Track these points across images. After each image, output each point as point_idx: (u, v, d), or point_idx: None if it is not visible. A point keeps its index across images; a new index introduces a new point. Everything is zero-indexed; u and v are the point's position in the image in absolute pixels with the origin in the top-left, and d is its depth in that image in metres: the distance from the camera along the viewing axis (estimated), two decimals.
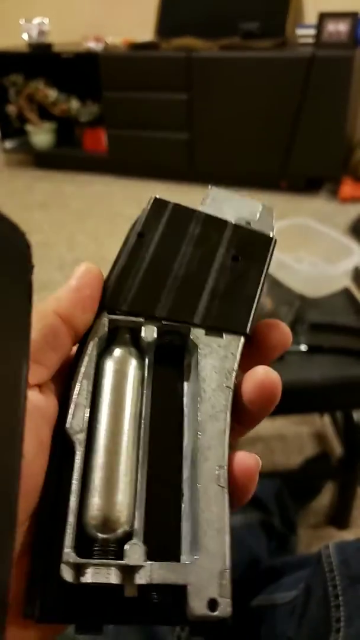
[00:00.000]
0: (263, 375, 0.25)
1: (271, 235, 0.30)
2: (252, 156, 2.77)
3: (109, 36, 3.05)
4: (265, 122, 2.67)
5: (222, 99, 2.69)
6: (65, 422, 0.23)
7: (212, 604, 0.20)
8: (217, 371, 0.26)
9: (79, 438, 0.23)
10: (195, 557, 0.21)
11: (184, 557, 0.22)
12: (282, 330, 0.28)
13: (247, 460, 0.24)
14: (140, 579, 0.20)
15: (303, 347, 0.91)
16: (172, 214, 0.29)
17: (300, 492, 1.12)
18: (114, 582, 0.20)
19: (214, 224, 0.29)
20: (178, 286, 0.27)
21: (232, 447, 0.25)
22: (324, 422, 1.38)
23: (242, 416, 0.26)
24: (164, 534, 0.23)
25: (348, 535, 1.13)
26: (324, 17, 2.45)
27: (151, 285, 0.27)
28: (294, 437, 1.34)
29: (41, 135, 3.32)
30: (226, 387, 0.25)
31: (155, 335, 0.26)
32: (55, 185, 3.10)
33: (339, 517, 1.15)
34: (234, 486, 0.24)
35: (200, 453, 0.23)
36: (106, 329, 0.26)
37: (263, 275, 0.29)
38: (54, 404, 0.24)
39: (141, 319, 0.26)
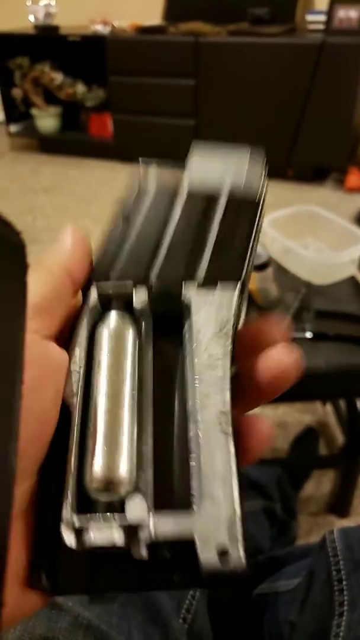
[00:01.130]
0: (277, 360, 0.24)
1: (257, 200, 0.29)
2: (258, 144, 2.71)
3: (117, 20, 3.02)
4: (273, 109, 2.64)
5: (229, 86, 2.67)
6: None
7: (223, 554, 0.19)
8: (213, 321, 0.25)
9: (73, 402, 0.23)
10: (200, 507, 0.20)
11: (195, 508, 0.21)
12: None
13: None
14: (144, 534, 0.20)
15: (308, 334, 0.91)
16: (156, 193, 0.29)
17: (294, 475, 1.12)
18: (118, 542, 0.19)
19: (198, 199, 0.29)
20: (166, 253, 0.27)
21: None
22: (326, 411, 1.38)
23: (250, 394, 0.25)
24: (172, 492, 0.21)
25: (348, 523, 1.14)
26: (334, 3, 2.41)
27: (139, 255, 0.27)
28: (296, 424, 1.34)
29: (46, 120, 3.30)
30: (224, 334, 0.24)
31: (146, 297, 0.26)
32: (60, 170, 3.08)
33: (339, 505, 1.15)
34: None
35: (200, 402, 0.22)
36: (96, 296, 0.26)
37: (256, 222, 0.28)
38: (66, 356, 0.24)
39: (129, 282, 0.26)
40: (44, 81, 3.20)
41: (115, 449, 0.21)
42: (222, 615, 0.58)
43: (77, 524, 0.20)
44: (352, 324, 0.94)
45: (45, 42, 3.19)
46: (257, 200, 0.29)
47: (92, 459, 0.21)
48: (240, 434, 0.23)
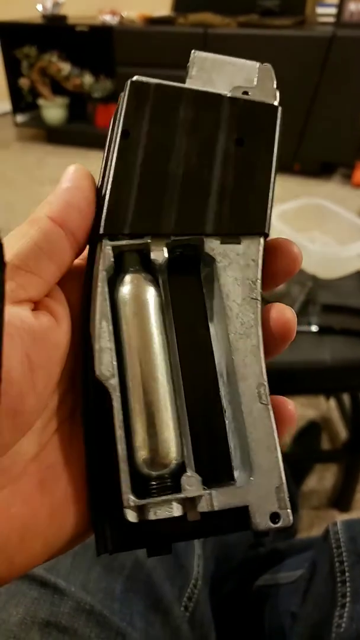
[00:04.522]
0: (282, 311, 0.24)
1: (275, 104, 0.26)
2: None
3: (125, 10, 3.00)
4: (281, 103, 2.62)
5: None
6: (92, 368, 0.22)
7: (274, 517, 0.21)
8: (240, 283, 0.23)
9: (112, 384, 0.21)
10: (251, 478, 0.21)
11: (237, 474, 0.22)
12: (291, 256, 0.25)
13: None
14: (202, 507, 0.21)
15: (314, 328, 0.90)
16: (156, 98, 0.24)
17: (296, 469, 1.12)
18: (176, 514, 0.21)
19: (207, 102, 0.25)
20: (180, 191, 0.24)
21: None
22: (330, 406, 1.38)
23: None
24: (213, 456, 0.23)
25: (350, 517, 1.14)
26: None
27: (150, 197, 0.23)
28: (299, 419, 1.34)
29: (53, 110, 3.29)
30: (252, 299, 0.23)
31: (166, 255, 0.23)
32: (66, 161, 3.05)
33: (341, 500, 1.15)
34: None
35: (238, 373, 0.22)
36: (112, 259, 0.23)
37: (274, 158, 0.25)
38: (50, 323, 0.22)
39: (147, 240, 0.23)
40: (51, 71, 3.19)
41: (158, 426, 0.22)
42: (224, 605, 0.58)
43: (138, 505, 0.21)
44: (358, 318, 0.94)
45: (53, 32, 3.17)
46: (276, 104, 0.26)
47: (139, 438, 0.21)
48: None
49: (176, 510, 0.21)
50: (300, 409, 1.38)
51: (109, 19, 2.91)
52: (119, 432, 0.21)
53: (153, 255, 0.23)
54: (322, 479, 1.22)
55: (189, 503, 0.21)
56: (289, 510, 0.21)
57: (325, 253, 1.06)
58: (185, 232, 0.23)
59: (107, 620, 0.40)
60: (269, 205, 0.24)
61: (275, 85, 0.26)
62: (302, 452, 1.24)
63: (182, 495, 0.21)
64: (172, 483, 0.21)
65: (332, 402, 1.36)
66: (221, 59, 0.26)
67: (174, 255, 0.24)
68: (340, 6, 2.41)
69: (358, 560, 0.48)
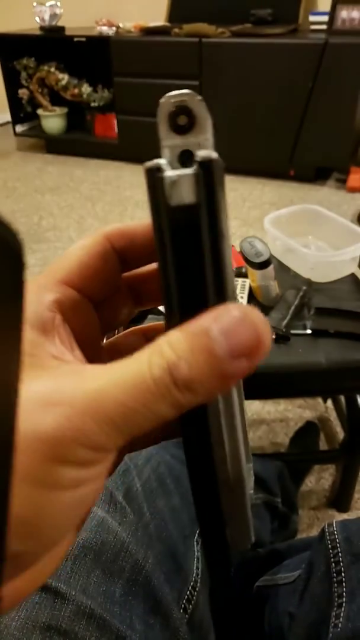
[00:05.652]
0: None
1: None
2: (261, 144, 2.76)
3: (121, 21, 3.04)
4: (275, 110, 2.65)
5: (232, 86, 2.68)
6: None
7: None
8: None
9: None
10: None
11: None
12: None
13: None
14: None
15: (309, 331, 0.92)
16: None
17: (295, 469, 1.13)
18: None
19: None
20: None
21: None
22: (327, 407, 1.39)
23: None
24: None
25: (348, 517, 1.15)
26: (337, 4, 2.42)
27: None
28: (297, 420, 1.36)
29: (52, 120, 3.32)
30: None
31: None
32: (65, 170, 3.10)
33: (339, 500, 1.16)
34: None
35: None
36: None
37: None
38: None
39: None
40: (49, 82, 3.22)
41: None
42: (223, 607, 0.58)
43: None
44: (352, 320, 0.95)
45: (51, 43, 3.21)
46: None
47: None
48: None
49: None
50: (298, 410, 1.39)
51: (105, 29, 2.95)
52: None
53: None
54: (320, 480, 1.23)
55: None
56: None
57: (319, 257, 1.08)
58: None
59: (107, 624, 0.40)
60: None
61: None
62: (301, 453, 1.25)
63: None
64: None
65: (330, 403, 1.38)
66: None
67: None
68: (332, 14, 2.44)
69: (354, 561, 0.48)
